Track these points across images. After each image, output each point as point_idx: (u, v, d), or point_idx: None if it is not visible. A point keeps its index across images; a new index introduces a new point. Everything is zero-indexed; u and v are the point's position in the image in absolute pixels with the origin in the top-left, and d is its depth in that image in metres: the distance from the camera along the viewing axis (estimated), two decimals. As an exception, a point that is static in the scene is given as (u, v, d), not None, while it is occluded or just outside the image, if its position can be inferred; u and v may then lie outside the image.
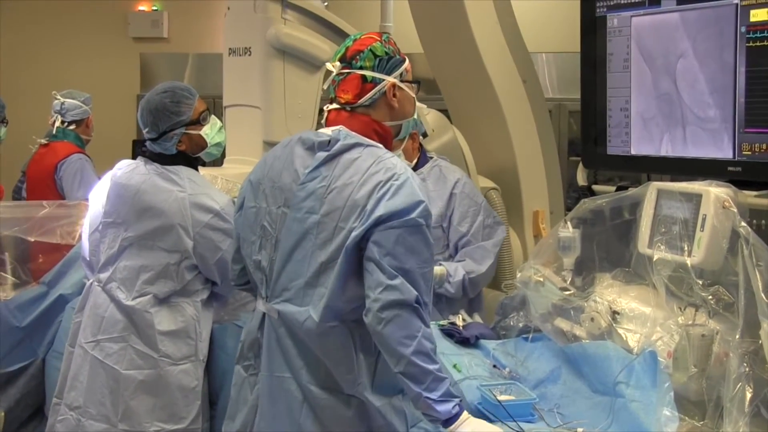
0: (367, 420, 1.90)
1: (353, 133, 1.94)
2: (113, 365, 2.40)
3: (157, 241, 2.43)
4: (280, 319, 1.93)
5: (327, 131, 1.97)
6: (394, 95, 1.98)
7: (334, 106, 1.99)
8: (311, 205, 1.89)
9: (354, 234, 1.82)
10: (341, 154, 1.91)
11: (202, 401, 2.44)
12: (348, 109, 1.97)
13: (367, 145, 1.92)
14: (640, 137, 2.93)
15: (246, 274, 2.11)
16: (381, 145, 1.96)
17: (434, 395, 1.79)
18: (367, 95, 1.96)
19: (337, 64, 1.98)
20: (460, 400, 1.85)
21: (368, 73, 1.95)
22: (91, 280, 2.54)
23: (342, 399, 1.89)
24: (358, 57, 1.96)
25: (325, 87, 2.04)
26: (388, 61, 1.98)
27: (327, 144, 1.93)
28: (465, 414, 1.84)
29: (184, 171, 2.50)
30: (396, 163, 1.90)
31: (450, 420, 1.81)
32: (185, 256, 2.43)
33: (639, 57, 2.90)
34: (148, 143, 2.54)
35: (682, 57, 2.72)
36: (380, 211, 1.81)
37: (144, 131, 2.53)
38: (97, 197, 2.56)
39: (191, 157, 2.55)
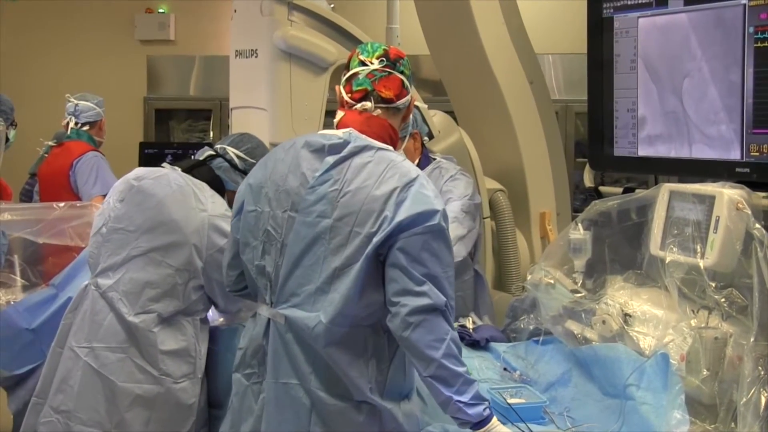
0: (379, 424, 1.88)
1: (362, 135, 1.93)
2: (109, 375, 2.36)
3: (166, 258, 2.38)
4: (287, 325, 1.90)
5: (338, 133, 1.95)
6: (407, 113, 2.06)
7: (364, 104, 1.98)
8: (322, 209, 1.87)
9: (375, 240, 1.81)
10: (351, 157, 1.89)
11: (199, 411, 2.42)
12: (373, 109, 1.98)
13: (378, 149, 1.91)
14: (648, 144, 2.92)
15: (243, 280, 2.09)
16: (391, 148, 1.95)
17: (465, 398, 1.79)
18: (404, 99, 2.01)
19: (375, 61, 2.00)
20: (489, 404, 1.85)
21: (406, 80, 2.02)
22: (87, 282, 2.49)
23: (352, 404, 1.87)
24: (400, 62, 2.02)
25: (343, 79, 2.04)
26: (411, 80, 2.05)
27: (339, 147, 1.91)
28: (495, 420, 1.83)
29: (207, 190, 2.48)
30: (410, 167, 1.89)
31: (481, 423, 1.81)
32: (193, 276, 2.40)
33: (644, 65, 2.89)
34: (230, 150, 2.54)
35: (690, 59, 2.71)
36: (401, 216, 1.80)
37: (242, 148, 2.56)
38: (110, 199, 2.53)
39: (221, 185, 2.54)
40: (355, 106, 1.98)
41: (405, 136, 2.54)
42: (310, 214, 1.88)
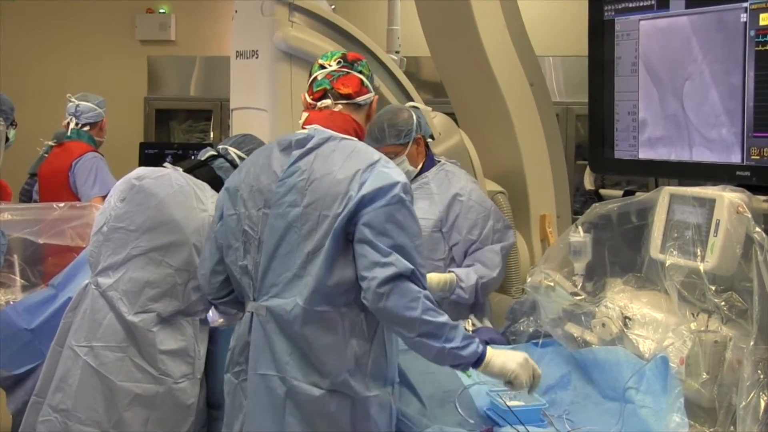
0: (350, 416, 1.93)
1: (327, 130, 2.04)
2: (108, 375, 2.37)
3: (166, 257, 2.39)
4: (268, 315, 1.97)
5: (304, 131, 2.06)
6: (371, 110, 2.16)
7: (326, 102, 2.08)
8: (292, 198, 1.96)
9: (341, 217, 1.88)
10: (317, 148, 1.99)
11: (198, 412, 2.43)
12: (333, 106, 2.08)
13: (342, 138, 2.02)
14: (649, 147, 2.92)
15: (227, 287, 2.15)
16: (355, 138, 2.06)
17: (456, 343, 1.87)
18: (364, 96, 2.12)
19: (333, 63, 2.12)
20: (477, 338, 1.93)
21: (365, 79, 2.13)
22: (87, 282, 2.50)
23: (325, 393, 1.92)
24: (358, 63, 2.14)
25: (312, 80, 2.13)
26: (371, 80, 2.17)
27: (305, 141, 2.02)
28: (489, 350, 1.94)
29: (209, 190, 2.49)
30: (373, 152, 2.00)
31: (479, 360, 1.91)
32: (192, 276, 2.40)
33: (645, 67, 2.88)
34: (231, 151, 2.56)
35: (691, 62, 2.71)
36: (363, 191, 1.89)
37: (243, 149, 2.58)
38: (111, 198, 2.53)
39: (222, 185, 2.54)
40: (317, 106, 2.09)
41: (408, 142, 2.81)
42: (281, 205, 1.97)
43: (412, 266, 1.86)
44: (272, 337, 1.95)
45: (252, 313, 2.01)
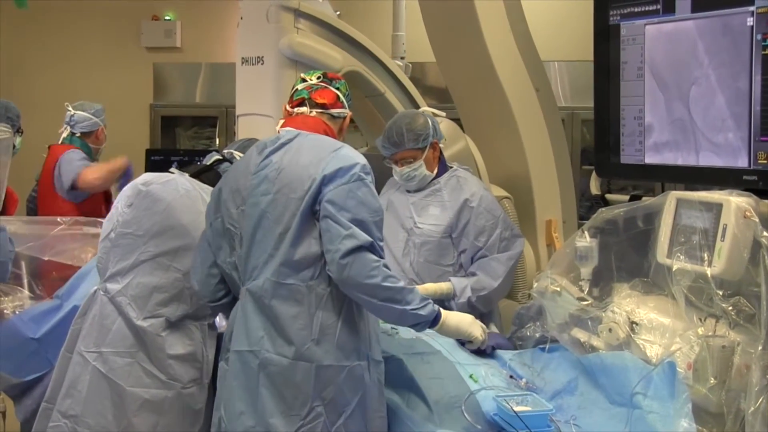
0: (314, 383, 2.01)
1: (298, 130, 2.20)
2: (117, 380, 2.37)
3: (174, 262, 2.40)
4: (247, 295, 2.08)
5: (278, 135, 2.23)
6: (344, 124, 2.35)
7: (302, 109, 2.27)
8: (264, 188, 2.09)
9: (306, 197, 2.03)
10: (287, 144, 2.14)
11: (206, 417, 2.42)
12: (309, 112, 2.27)
13: (309, 134, 2.18)
14: (655, 151, 2.92)
15: (223, 288, 2.23)
16: (323, 136, 2.22)
17: (415, 305, 2.06)
18: (338, 109, 2.32)
19: (314, 78, 2.33)
20: (431, 299, 2.14)
21: (341, 96, 2.33)
22: (96, 288, 2.50)
23: (292, 363, 2.02)
24: (337, 81, 2.36)
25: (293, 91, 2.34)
26: (348, 99, 2.37)
27: (277, 139, 2.18)
28: (442, 311, 2.19)
29: None
30: (336, 141, 2.17)
31: (436, 319, 2.14)
32: None
33: (651, 72, 2.88)
34: (236, 155, 2.59)
35: (697, 66, 2.71)
36: (326, 171, 2.04)
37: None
38: (118, 204, 2.54)
39: None
40: (294, 112, 2.29)
41: (426, 147, 2.91)
42: (255, 195, 2.10)
43: (371, 239, 2.00)
44: (249, 315, 2.07)
45: (238, 301, 2.13)
